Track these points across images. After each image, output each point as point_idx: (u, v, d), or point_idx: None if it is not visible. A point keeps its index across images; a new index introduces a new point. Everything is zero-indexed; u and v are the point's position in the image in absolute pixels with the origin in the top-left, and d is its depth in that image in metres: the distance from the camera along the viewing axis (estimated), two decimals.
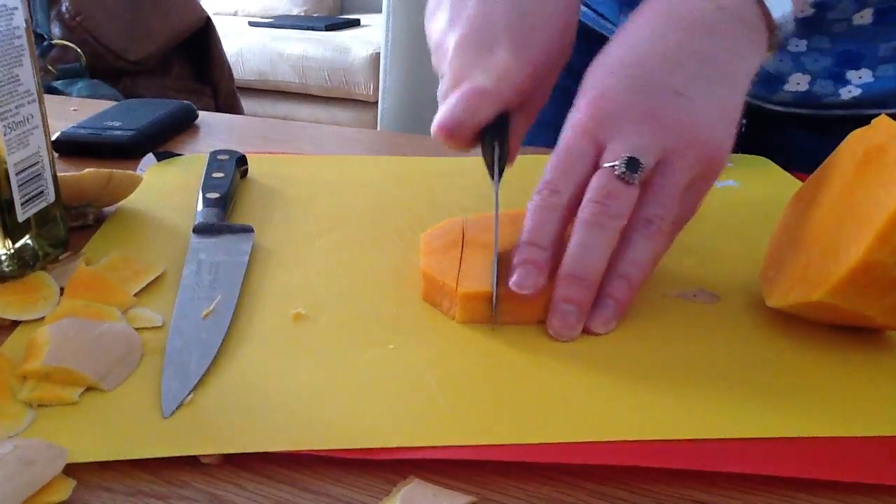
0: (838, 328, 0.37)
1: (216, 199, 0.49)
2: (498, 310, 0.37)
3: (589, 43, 0.71)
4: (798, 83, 0.63)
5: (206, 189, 0.50)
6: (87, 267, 0.41)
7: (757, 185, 0.57)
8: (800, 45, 0.61)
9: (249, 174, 0.58)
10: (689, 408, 0.32)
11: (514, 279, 0.37)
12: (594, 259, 0.37)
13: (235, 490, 0.27)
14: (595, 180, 0.38)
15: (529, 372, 0.34)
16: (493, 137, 0.43)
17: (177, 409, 0.31)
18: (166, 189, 0.55)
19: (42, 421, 0.30)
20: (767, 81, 0.63)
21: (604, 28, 0.71)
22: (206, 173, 0.53)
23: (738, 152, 0.55)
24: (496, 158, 0.43)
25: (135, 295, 0.39)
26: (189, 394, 0.32)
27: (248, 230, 0.46)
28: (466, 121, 0.42)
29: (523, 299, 0.37)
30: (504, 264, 0.39)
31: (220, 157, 0.56)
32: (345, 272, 0.43)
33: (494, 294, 0.37)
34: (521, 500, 0.27)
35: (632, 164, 0.37)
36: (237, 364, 0.34)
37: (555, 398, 0.32)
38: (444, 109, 0.43)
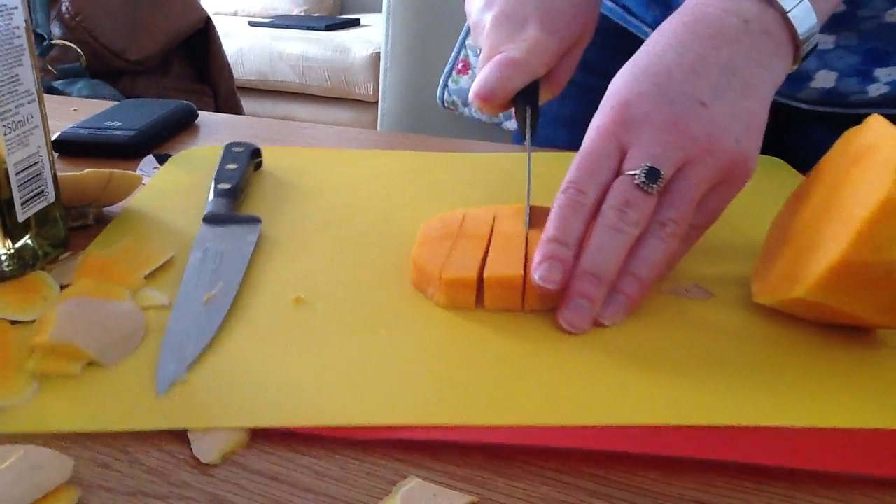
0: (829, 327, 0.37)
1: (227, 189, 0.50)
2: (485, 296, 0.39)
3: (609, 39, 0.71)
4: (825, 79, 0.62)
5: (218, 180, 0.52)
6: (96, 253, 0.42)
7: (767, 185, 0.57)
8: (827, 42, 0.60)
9: (265, 166, 0.59)
10: (670, 395, 0.32)
11: (538, 273, 0.38)
12: (610, 260, 0.38)
13: (235, 490, 0.27)
14: (616, 187, 0.39)
15: (514, 357, 0.35)
16: (525, 102, 0.49)
17: (170, 387, 0.32)
18: (183, 179, 0.56)
19: (45, 392, 0.32)
20: (793, 79, 0.62)
21: (628, 23, 0.71)
22: (220, 164, 0.54)
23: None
24: (528, 121, 0.48)
25: (144, 278, 0.41)
26: (184, 373, 0.33)
27: (255, 220, 0.48)
28: (499, 88, 0.48)
29: (510, 286, 0.39)
30: (499, 252, 0.41)
31: (235, 148, 0.57)
32: (347, 262, 0.44)
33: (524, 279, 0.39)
34: (521, 500, 0.27)
35: (651, 174, 0.38)
36: (233, 345, 0.36)
37: (537, 383, 0.33)
38: (480, 78, 0.48)
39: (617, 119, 0.41)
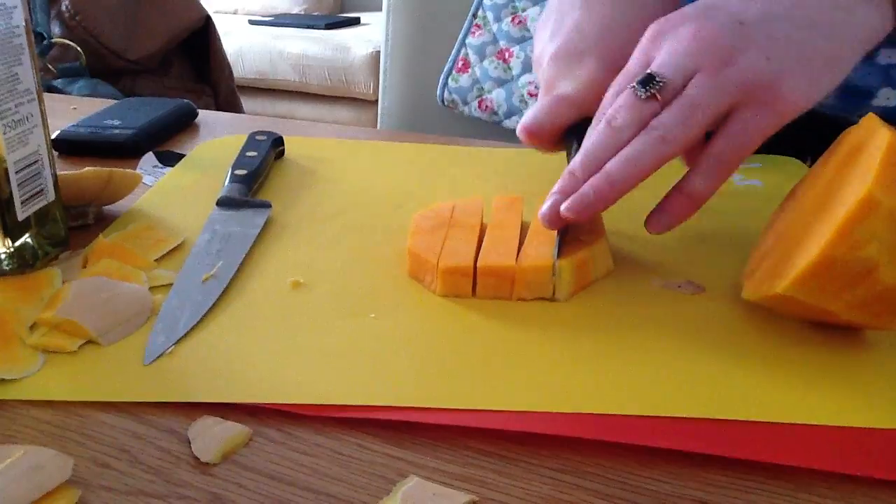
0: (818, 325, 0.37)
1: (243, 175, 0.52)
2: (477, 284, 0.40)
3: None
4: (888, 98, 0.59)
5: (235, 166, 0.53)
6: (105, 239, 0.43)
7: (782, 187, 0.56)
8: (892, 57, 0.57)
9: (287, 154, 0.61)
10: (657, 387, 0.33)
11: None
12: (588, 158, 0.39)
13: (235, 490, 0.27)
14: (619, 96, 0.40)
15: (506, 345, 0.36)
16: (575, 140, 0.45)
17: (157, 358, 0.33)
18: (206, 166, 0.58)
19: (49, 366, 0.33)
20: (853, 95, 0.59)
21: None
22: (241, 152, 0.56)
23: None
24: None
25: (156, 261, 0.43)
26: (171, 346, 0.34)
27: (265, 205, 0.49)
28: (546, 123, 0.46)
29: (502, 276, 0.39)
30: (493, 242, 0.42)
31: (257, 137, 0.59)
32: (351, 249, 0.45)
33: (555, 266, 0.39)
34: (521, 499, 0.27)
35: (646, 80, 0.39)
36: (225, 323, 0.37)
37: (528, 371, 0.33)
38: (529, 112, 0.47)
39: (649, 35, 0.41)
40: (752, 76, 0.38)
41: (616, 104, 0.39)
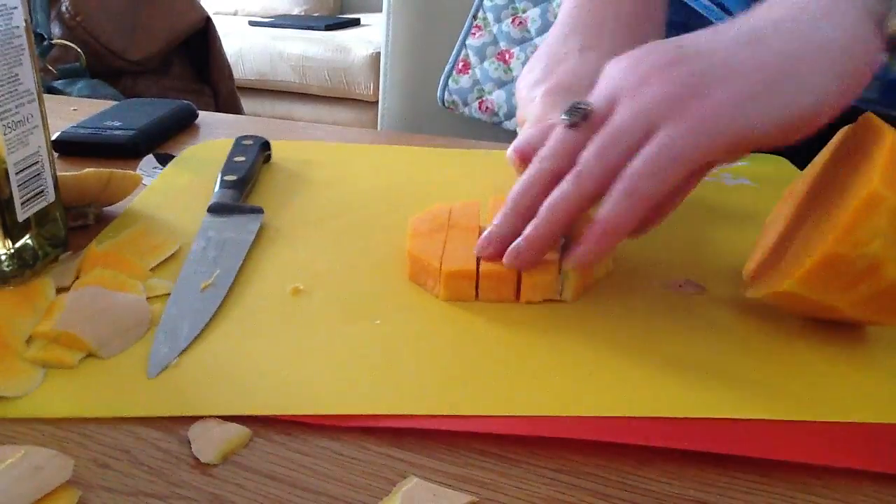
0: (819, 322, 0.37)
1: (233, 181, 0.51)
2: (480, 287, 0.40)
3: None
4: None
5: (225, 172, 0.53)
6: (98, 247, 0.43)
7: (773, 185, 0.57)
8: None
9: (274, 159, 0.60)
10: (661, 388, 0.33)
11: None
12: (519, 198, 0.39)
13: (235, 490, 0.27)
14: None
15: (510, 348, 0.35)
16: None
17: (162, 371, 0.33)
18: (193, 173, 0.57)
19: (50, 380, 0.32)
20: (893, 90, 0.57)
21: (721, 19, 0.67)
22: (229, 157, 0.55)
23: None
24: None
25: (151, 269, 0.42)
26: (176, 357, 0.34)
27: (258, 211, 0.49)
28: (538, 145, 0.43)
29: (506, 279, 0.39)
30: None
31: (244, 142, 0.58)
32: (348, 253, 0.45)
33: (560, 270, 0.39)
34: (521, 500, 0.27)
35: (570, 109, 0.38)
36: (228, 332, 0.36)
37: (531, 374, 0.33)
38: (521, 135, 0.45)
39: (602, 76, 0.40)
40: (671, 89, 0.35)
41: (550, 137, 0.39)
